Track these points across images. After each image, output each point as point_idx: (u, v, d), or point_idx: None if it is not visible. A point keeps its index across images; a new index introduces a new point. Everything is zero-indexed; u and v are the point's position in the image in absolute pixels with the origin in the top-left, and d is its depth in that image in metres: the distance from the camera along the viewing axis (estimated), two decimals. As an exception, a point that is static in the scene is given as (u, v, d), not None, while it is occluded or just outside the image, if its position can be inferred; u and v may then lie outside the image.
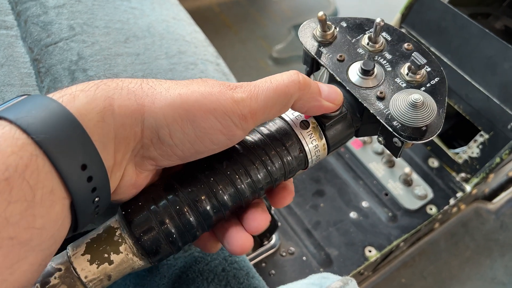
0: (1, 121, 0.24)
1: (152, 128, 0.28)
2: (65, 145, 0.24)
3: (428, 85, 0.36)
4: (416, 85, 0.36)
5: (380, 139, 0.38)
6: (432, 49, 0.70)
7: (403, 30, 0.73)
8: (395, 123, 0.34)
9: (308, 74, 0.43)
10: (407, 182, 0.69)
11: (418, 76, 0.36)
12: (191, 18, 0.59)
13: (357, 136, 0.40)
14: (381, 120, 0.35)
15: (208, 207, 0.32)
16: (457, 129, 0.81)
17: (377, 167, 0.71)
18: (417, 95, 0.32)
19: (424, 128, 0.34)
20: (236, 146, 0.34)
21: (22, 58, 0.45)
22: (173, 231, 0.31)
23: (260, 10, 1.25)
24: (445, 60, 0.68)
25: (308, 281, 0.32)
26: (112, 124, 0.27)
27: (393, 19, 0.74)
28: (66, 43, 0.45)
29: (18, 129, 0.23)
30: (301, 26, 0.40)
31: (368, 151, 0.72)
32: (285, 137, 0.35)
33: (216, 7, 1.22)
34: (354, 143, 0.73)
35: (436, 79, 0.37)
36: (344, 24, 0.40)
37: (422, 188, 0.69)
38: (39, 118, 0.24)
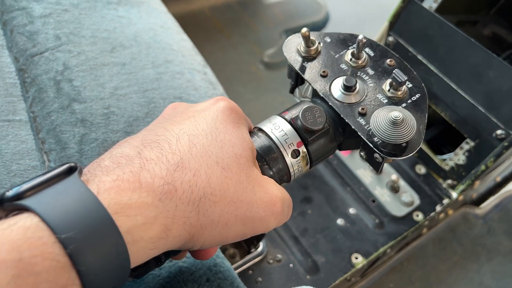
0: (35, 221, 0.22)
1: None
2: (105, 277, 0.23)
3: (409, 101, 0.37)
4: (398, 101, 0.37)
5: (362, 153, 0.38)
6: (419, 57, 0.70)
7: (390, 38, 0.74)
8: (375, 139, 0.35)
9: (293, 88, 0.44)
10: (394, 189, 0.70)
11: (399, 92, 0.37)
12: (179, 26, 0.60)
13: (340, 149, 0.41)
14: (362, 137, 0.35)
15: None
16: (446, 135, 0.81)
17: (365, 174, 0.71)
18: (397, 113, 0.33)
19: (404, 144, 0.34)
20: None
21: (7, 68, 0.45)
22: None
23: (252, 14, 1.25)
24: (432, 68, 0.69)
25: None
26: (160, 250, 0.27)
27: (381, 27, 0.75)
28: (52, 53, 0.45)
29: (60, 249, 0.21)
30: (286, 41, 0.41)
31: (356, 157, 0.73)
32: (269, 154, 0.35)
33: (208, 11, 1.22)
34: (342, 150, 0.74)
35: (417, 95, 0.37)
36: (328, 40, 0.41)
37: (409, 194, 0.70)
38: (84, 236, 0.22)
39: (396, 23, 0.72)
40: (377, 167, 0.37)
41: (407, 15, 0.70)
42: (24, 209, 0.22)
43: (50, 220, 0.22)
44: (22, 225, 0.21)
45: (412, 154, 0.34)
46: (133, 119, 0.43)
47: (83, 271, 0.22)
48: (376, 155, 0.36)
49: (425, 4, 0.69)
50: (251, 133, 0.37)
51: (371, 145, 0.34)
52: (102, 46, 0.48)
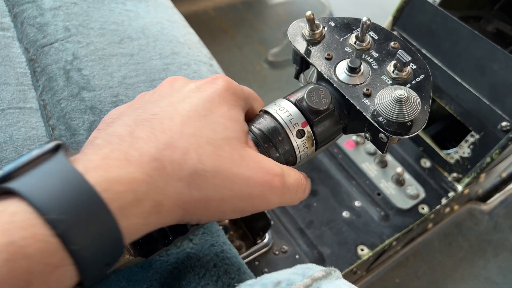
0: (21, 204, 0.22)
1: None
2: (99, 254, 0.24)
3: (413, 82, 0.37)
4: (402, 82, 0.37)
5: (367, 135, 0.39)
6: (423, 50, 0.71)
7: (394, 33, 0.74)
8: (380, 118, 0.35)
9: (298, 73, 0.44)
10: (400, 182, 0.70)
11: (403, 74, 0.37)
12: (185, 21, 0.61)
13: (345, 132, 0.41)
14: (367, 116, 0.36)
15: None
16: (450, 131, 0.82)
17: (370, 167, 0.72)
18: (402, 91, 0.33)
19: (409, 123, 0.35)
20: None
21: (18, 58, 0.46)
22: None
23: (256, 14, 1.27)
24: (436, 61, 0.69)
25: (292, 271, 0.33)
26: (153, 225, 0.27)
27: (385, 22, 0.75)
28: (61, 44, 0.46)
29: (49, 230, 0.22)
30: (290, 25, 0.42)
31: (361, 151, 0.73)
32: (275, 136, 0.36)
33: (212, 12, 1.23)
34: (347, 144, 0.74)
35: (422, 76, 0.38)
36: (332, 24, 0.41)
37: (414, 188, 0.70)
38: (73, 216, 0.22)
39: (400, 18, 0.73)
40: (382, 148, 0.37)
41: (411, 10, 0.71)
42: (12, 192, 0.23)
43: (37, 202, 0.22)
44: (11, 209, 0.22)
45: (417, 132, 0.35)
46: (141, 106, 0.44)
47: (75, 250, 0.22)
48: (381, 135, 0.36)
49: (428, -2, 0.70)
50: (257, 115, 0.38)
51: (376, 124, 0.35)
52: (111, 38, 0.49)
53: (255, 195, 0.31)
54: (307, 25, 0.40)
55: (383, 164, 0.72)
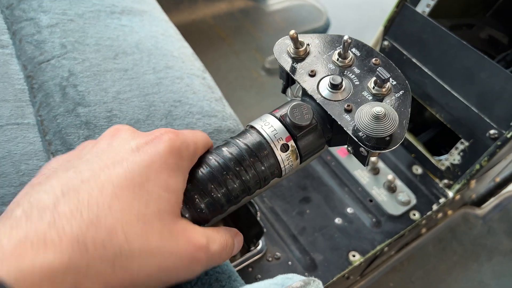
0: None
1: None
2: None
3: (392, 97, 0.39)
4: (382, 98, 0.39)
5: (349, 148, 0.40)
6: (414, 60, 0.72)
7: (385, 43, 0.76)
8: (360, 133, 0.37)
9: (285, 88, 0.46)
10: (391, 189, 0.71)
11: (383, 89, 0.39)
12: (179, 34, 0.62)
13: (329, 145, 0.43)
14: (347, 131, 0.37)
15: (186, 215, 0.35)
16: (443, 137, 0.83)
17: (362, 175, 0.73)
18: (379, 108, 0.35)
19: (387, 138, 0.36)
20: (213, 159, 0.37)
21: (16, 75, 0.47)
22: None
23: (254, 22, 1.29)
24: (426, 70, 0.71)
25: (272, 281, 0.34)
26: None
27: (376, 32, 0.77)
28: (58, 61, 0.48)
29: None
30: (276, 43, 0.43)
31: (353, 159, 0.75)
32: (261, 150, 0.37)
33: (210, 20, 1.25)
34: (340, 152, 0.76)
35: (401, 92, 0.39)
36: (316, 41, 0.43)
37: (405, 194, 0.71)
38: None
39: (390, 28, 0.74)
40: (363, 161, 0.39)
41: (401, 20, 0.73)
42: None
43: None
44: None
45: (395, 147, 0.36)
46: (134, 122, 0.45)
47: None
48: (362, 149, 0.38)
49: (418, 9, 0.71)
50: (244, 130, 0.40)
51: (356, 139, 0.36)
52: (106, 53, 0.51)
53: (180, 267, 0.31)
54: (291, 43, 0.41)
55: (375, 171, 0.73)
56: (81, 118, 0.44)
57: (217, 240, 0.34)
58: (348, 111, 0.38)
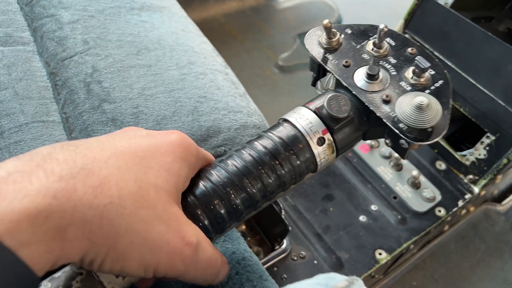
0: None
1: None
2: None
3: (432, 87, 0.38)
4: (421, 88, 0.38)
5: (387, 141, 0.39)
6: (436, 53, 0.71)
7: (406, 36, 0.74)
8: (401, 125, 0.35)
9: (315, 80, 0.45)
10: (415, 185, 0.70)
11: (422, 79, 0.37)
12: (199, 30, 0.61)
13: (364, 139, 0.41)
14: (387, 123, 0.36)
15: (222, 211, 0.34)
16: (464, 132, 0.81)
17: (385, 171, 0.72)
18: (422, 98, 0.34)
19: (430, 129, 0.35)
20: (246, 153, 0.36)
21: (39, 72, 0.46)
22: None
23: (265, 19, 1.28)
24: (449, 64, 0.69)
25: (315, 281, 0.32)
26: (57, 254, 0.24)
27: (396, 25, 0.75)
28: (81, 57, 0.47)
29: None
30: (307, 34, 0.42)
31: (375, 155, 0.73)
32: (296, 144, 0.36)
33: (221, 18, 1.24)
34: (361, 147, 0.74)
35: (440, 82, 0.38)
36: (349, 31, 0.42)
37: (430, 190, 0.70)
38: None
39: (411, 21, 0.73)
40: (402, 153, 0.37)
41: (422, 12, 0.71)
42: None
43: None
44: None
45: (438, 138, 0.35)
46: (161, 118, 0.44)
47: None
48: (402, 141, 0.36)
49: (441, 1, 0.70)
50: (277, 123, 0.38)
51: (397, 131, 0.35)
52: (128, 49, 0.50)
53: (164, 252, 0.29)
54: (324, 33, 0.40)
55: (398, 167, 0.72)
56: (107, 115, 0.43)
57: (208, 251, 0.32)
58: (387, 102, 0.37)
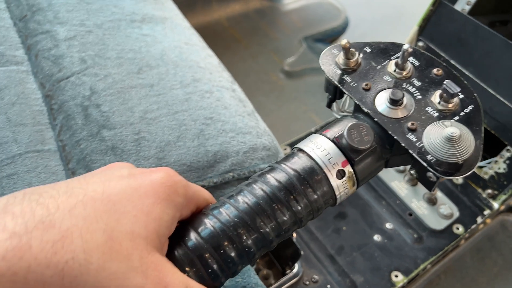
0: None
1: None
2: None
3: (461, 113, 0.34)
4: (449, 114, 0.34)
5: (412, 172, 0.35)
6: (452, 62, 0.67)
7: (420, 43, 0.71)
8: (429, 157, 0.32)
9: (331, 101, 0.41)
10: (432, 201, 0.67)
11: (450, 105, 0.34)
12: (203, 42, 0.58)
13: (386, 167, 0.38)
14: (413, 154, 0.32)
15: (232, 254, 0.31)
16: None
17: (400, 186, 0.68)
18: (453, 129, 0.30)
19: (460, 162, 0.32)
20: (258, 188, 0.32)
21: (33, 95, 0.43)
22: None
23: (270, 22, 1.24)
24: (467, 73, 0.66)
25: None
26: None
27: (407, 29, 0.72)
28: (78, 77, 0.44)
29: None
30: (322, 53, 0.39)
31: (389, 169, 0.70)
32: (312, 176, 0.33)
33: (225, 22, 1.21)
34: (374, 161, 0.71)
35: (470, 107, 0.35)
36: (368, 50, 0.38)
37: (447, 206, 0.66)
38: None
39: (426, 27, 0.69)
40: (430, 186, 0.34)
41: (438, 19, 0.67)
42: None
43: None
44: None
45: (469, 173, 0.32)
46: (164, 144, 0.41)
47: None
48: (430, 174, 0.33)
49: (457, 7, 0.66)
50: (291, 153, 0.35)
51: (424, 163, 0.32)
52: (129, 68, 0.47)
53: None
54: (342, 53, 0.37)
55: (413, 182, 0.68)
56: (107, 143, 0.40)
57: None
58: (413, 130, 0.34)
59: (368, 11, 1.33)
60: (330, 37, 1.21)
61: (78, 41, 0.47)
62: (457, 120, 0.34)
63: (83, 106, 0.42)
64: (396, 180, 0.69)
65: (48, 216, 0.23)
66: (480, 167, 0.71)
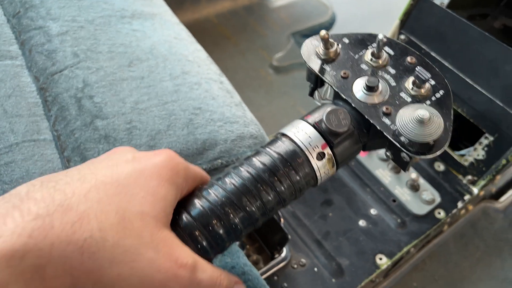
0: None
1: None
2: None
3: (433, 98, 0.37)
4: (421, 99, 0.37)
5: (388, 153, 0.38)
6: (433, 54, 0.70)
7: (402, 37, 0.73)
8: (402, 138, 0.34)
9: (312, 90, 0.44)
10: (414, 187, 0.69)
11: (423, 90, 0.37)
12: (192, 37, 0.60)
13: (364, 150, 0.40)
14: (388, 136, 0.35)
15: (221, 231, 0.33)
16: (462, 130, 0.81)
17: (384, 174, 0.71)
18: (423, 111, 0.33)
19: (431, 142, 0.34)
20: (244, 170, 0.35)
21: (28, 88, 0.45)
22: None
23: (258, 19, 1.26)
24: (446, 64, 0.69)
25: None
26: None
27: (392, 26, 0.75)
28: (71, 71, 0.46)
29: None
30: (303, 44, 0.41)
31: (373, 158, 0.72)
32: (295, 159, 0.35)
33: (214, 19, 1.23)
34: (359, 151, 0.73)
35: (441, 92, 0.37)
36: (346, 41, 0.41)
37: (429, 192, 0.69)
38: None
39: (407, 21, 0.72)
40: (404, 166, 0.37)
41: (418, 13, 0.70)
42: None
43: None
44: None
45: (440, 152, 0.34)
46: (155, 133, 0.43)
47: None
48: (403, 154, 0.35)
49: (436, 1, 0.69)
50: (275, 138, 0.37)
51: (398, 144, 0.34)
52: (120, 61, 0.48)
53: (156, 280, 0.28)
54: (321, 44, 0.39)
55: (396, 169, 0.71)
56: (100, 132, 0.42)
57: (208, 271, 0.31)
58: (387, 114, 0.36)
59: (354, 7, 1.35)
60: (317, 33, 1.23)
61: (70, 36, 0.49)
62: (429, 104, 0.36)
63: (76, 97, 0.44)
64: (380, 168, 0.71)
65: (66, 200, 0.26)
66: (461, 155, 0.74)
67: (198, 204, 0.33)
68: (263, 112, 1.04)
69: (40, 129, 0.42)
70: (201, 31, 1.17)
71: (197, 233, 0.32)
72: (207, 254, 0.33)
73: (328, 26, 1.27)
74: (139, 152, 0.32)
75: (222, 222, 0.33)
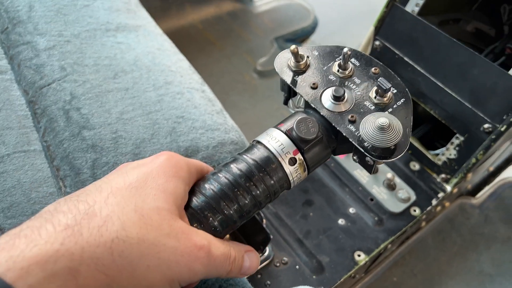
0: None
1: None
2: None
3: (394, 106, 0.40)
4: (384, 107, 0.40)
5: (354, 157, 0.41)
6: (406, 58, 0.73)
7: (377, 42, 0.77)
8: (366, 144, 0.38)
9: (286, 99, 0.47)
10: (391, 187, 0.73)
11: (385, 99, 0.40)
12: (175, 47, 0.63)
13: (334, 154, 0.44)
14: (353, 142, 0.38)
15: None
16: (437, 130, 0.85)
17: (362, 174, 0.74)
18: (383, 119, 0.36)
19: (392, 147, 0.37)
20: (222, 176, 0.38)
21: (18, 101, 0.48)
22: None
23: (242, 24, 1.29)
24: (419, 68, 0.72)
25: None
26: None
27: (368, 32, 0.78)
28: (58, 84, 0.48)
29: None
30: (276, 57, 0.44)
31: (352, 159, 0.76)
32: (269, 164, 0.38)
33: (199, 24, 1.25)
34: (338, 153, 0.77)
35: (402, 100, 0.40)
36: (315, 53, 0.44)
37: (405, 191, 0.73)
38: None
39: (381, 28, 0.75)
40: (369, 169, 0.40)
41: (391, 19, 0.74)
42: None
43: None
44: None
45: (400, 156, 0.37)
46: (140, 141, 0.46)
47: None
48: (368, 158, 0.39)
49: (408, 8, 0.73)
50: (251, 146, 0.40)
51: (362, 149, 0.37)
52: (105, 73, 0.51)
53: (182, 263, 0.31)
54: (292, 57, 0.42)
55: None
56: (87, 142, 0.44)
57: (220, 247, 0.35)
58: (352, 121, 0.39)
59: (336, 11, 1.39)
60: (300, 37, 1.27)
61: (57, 51, 0.51)
62: (390, 112, 0.40)
63: (64, 109, 0.46)
64: (358, 169, 0.75)
65: (90, 208, 0.29)
66: (435, 154, 0.77)
67: None
68: (247, 115, 1.07)
69: (30, 140, 0.44)
70: (186, 37, 1.19)
71: None
72: None
73: (311, 30, 1.31)
74: (142, 159, 0.36)
75: (202, 225, 0.36)
